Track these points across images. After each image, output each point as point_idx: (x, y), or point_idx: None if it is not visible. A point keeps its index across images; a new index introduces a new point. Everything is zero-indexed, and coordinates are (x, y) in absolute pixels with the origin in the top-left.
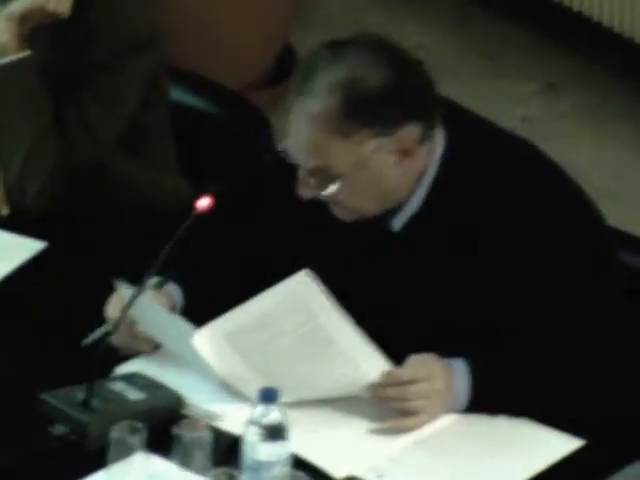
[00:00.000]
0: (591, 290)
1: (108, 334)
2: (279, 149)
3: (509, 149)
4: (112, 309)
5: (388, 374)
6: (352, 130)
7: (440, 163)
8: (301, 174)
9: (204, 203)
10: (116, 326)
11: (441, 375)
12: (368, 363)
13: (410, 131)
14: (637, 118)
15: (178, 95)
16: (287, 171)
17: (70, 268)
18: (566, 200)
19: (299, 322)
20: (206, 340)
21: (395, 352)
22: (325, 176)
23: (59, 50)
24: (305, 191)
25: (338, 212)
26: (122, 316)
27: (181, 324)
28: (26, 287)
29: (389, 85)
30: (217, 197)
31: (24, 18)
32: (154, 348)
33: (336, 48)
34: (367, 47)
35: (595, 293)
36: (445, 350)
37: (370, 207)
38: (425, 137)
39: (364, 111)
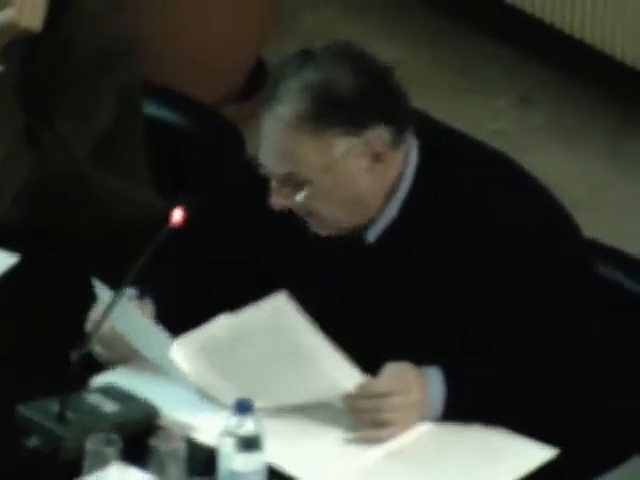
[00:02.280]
0: (567, 302)
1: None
2: (254, 161)
3: (484, 161)
4: (96, 314)
5: (362, 386)
6: (321, 130)
7: (414, 174)
8: (273, 184)
9: (177, 216)
10: (95, 330)
11: (415, 386)
12: (343, 376)
13: (380, 134)
14: (610, 130)
15: (151, 109)
16: (262, 183)
17: (43, 281)
18: (541, 212)
19: (275, 338)
20: (182, 351)
21: (371, 362)
22: (296, 183)
23: (32, 64)
24: (277, 201)
25: (313, 225)
26: (101, 319)
27: (160, 334)
28: (2, 300)
29: (357, 87)
30: (190, 210)
31: None
32: (133, 356)
33: (305, 55)
34: (336, 53)
35: (571, 305)
36: (420, 359)
37: (342, 217)
38: (396, 142)
39: (333, 111)
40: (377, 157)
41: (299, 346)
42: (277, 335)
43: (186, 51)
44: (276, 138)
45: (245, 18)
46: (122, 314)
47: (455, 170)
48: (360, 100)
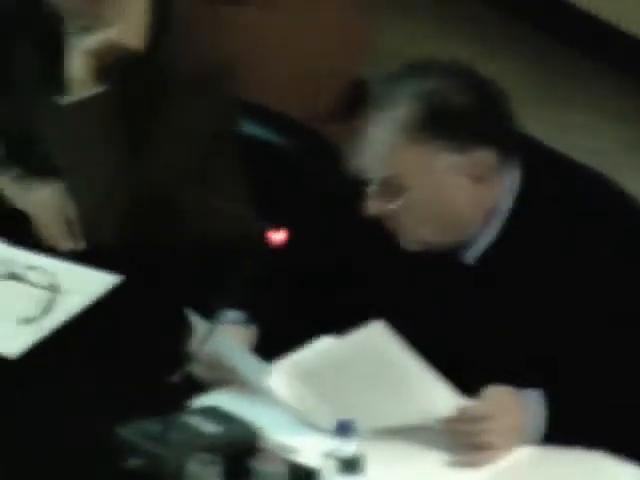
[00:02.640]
0: None
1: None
2: (350, 173)
3: (587, 188)
4: (195, 343)
5: (462, 409)
6: (428, 139)
7: (516, 198)
8: (370, 189)
9: (279, 237)
10: (192, 358)
11: (515, 410)
12: (441, 399)
13: (486, 156)
14: None
15: (249, 128)
16: (356, 197)
17: (145, 301)
18: None
19: (372, 363)
20: (280, 380)
21: (468, 383)
22: (394, 189)
23: (133, 84)
24: (371, 205)
25: (403, 240)
26: (198, 348)
27: (255, 362)
28: (102, 320)
29: (470, 104)
30: (290, 230)
31: (99, 53)
32: (233, 380)
33: (422, 65)
34: (449, 69)
35: None
36: (519, 382)
37: (430, 233)
38: (500, 166)
39: (443, 123)
40: (479, 179)
41: (397, 370)
42: (375, 361)
43: (285, 70)
44: (381, 140)
45: (344, 38)
46: (219, 343)
47: (558, 197)
48: (471, 118)
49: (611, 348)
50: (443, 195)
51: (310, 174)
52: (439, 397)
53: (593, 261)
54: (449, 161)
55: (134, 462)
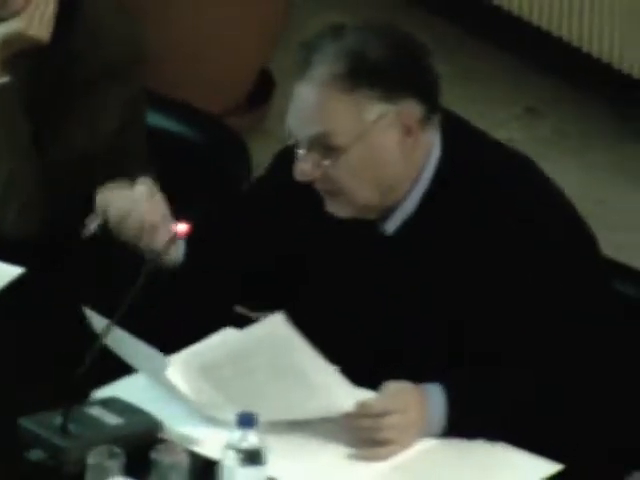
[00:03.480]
0: (578, 313)
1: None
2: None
3: (505, 159)
4: (101, 198)
5: (361, 405)
6: (355, 89)
7: (436, 168)
8: (301, 151)
9: (182, 228)
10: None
11: (414, 406)
12: (341, 395)
13: (412, 107)
14: (614, 141)
15: (156, 119)
16: (274, 190)
17: (47, 294)
18: (562, 218)
19: (273, 357)
20: (180, 372)
21: (381, 355)
22: (326, 147)
23: (39, 76)
24: (304, 168)
25: (333, 206)
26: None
27: (155, 355)
28: (5, 310)
29: (394, 56)
30: (195, 222)
31: (4, 44)
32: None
33: (340, 28)
34: (371, 27)
35: (582, 316)
36: (427, 359)
37: (368, 194)
38: (426, 120)
39: (368, 73)
40: (408, 131)
41: (296, 364)
42: (275, 354)
43: (192, 62)
44: (309, 98)
45: (249, 30)
46: (117, 336)
47: (476, 168)
48: (396, 69)
49: (515, 330)
50: (376, 151)
51: (217, 165)
52: (338, 393)
53: (503, 234)
54: (377, 112)
55: (36, 454)
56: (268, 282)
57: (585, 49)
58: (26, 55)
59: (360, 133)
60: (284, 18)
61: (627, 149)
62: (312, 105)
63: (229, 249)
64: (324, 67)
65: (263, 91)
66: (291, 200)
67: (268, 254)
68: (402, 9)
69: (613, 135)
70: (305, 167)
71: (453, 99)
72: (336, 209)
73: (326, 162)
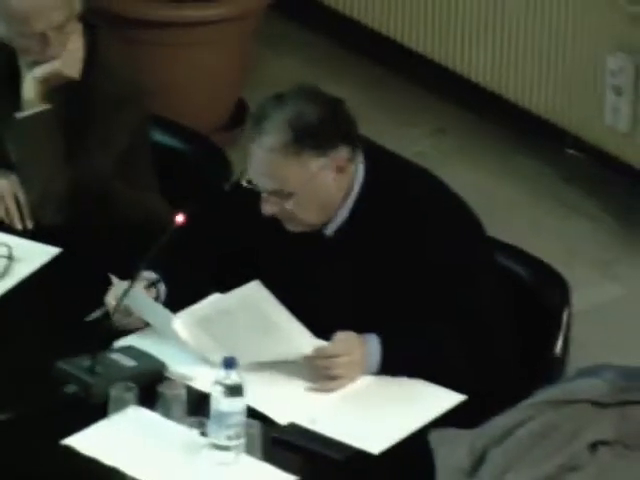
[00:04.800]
0: (477, 283)
1: (106, 313)
2: (246, 180)
3: (413, 173)
4: (110, 297)
5: (317, 349)
6: (301, 154)
7: (362, 184)
8: (263, 196)
9: (180, 218)
10: (116, 309)
11: (358, 349)
12: (302, 342)
13: (342, 151)
14: (502, 153)
15: (158, 136)
16: (245, 194)
17: (78, 268)
18: (453, 211)
19: (251, 313)
20: (182, 324)
21: (326, 328)
22: (283, 195)
23: (70, 103)
24: (267, 208)
25: (289, 225)
26: (118, 302)
27: (163, 311)
28: (46, 282)
29: (324, 117)
30: (190, 214)
31: (45, 80)
32: (145, 325)
33: (278, 97)
34: (302, 93)
35: (478, 283)
36: (364, 326)
37: (315, 218)
38: (352, 157)
39: (309, 138)
40: (340, 170)
41: (269, 319)
42: (253, 311)
43: (185, 92)
44: (264, 162)
45: (228, 69)
46: (135, 297)
47: (391, 180)
48: (327, 127)
49: (431, 300)
50: (319, 190)
51: (205, 172)
52: (301, 340)
53: (411, 225)
54: (318, 164)
55: (71, 388)
56: (234, 267)
57: (479, 82)
58: (59, 88)
59: (306, 181)
60: (255, 58)
61: (511, 158)
62: (267, 168)
63: (207, 239)
64: (273, 137)
65: (239, 116)
66: (255, 209)
67: (235, 246)
68: (334, 52)
69: (500, 149)
70: (268, 207)
71: (378, 123)
72: (291, 227)
73: (282, 202)
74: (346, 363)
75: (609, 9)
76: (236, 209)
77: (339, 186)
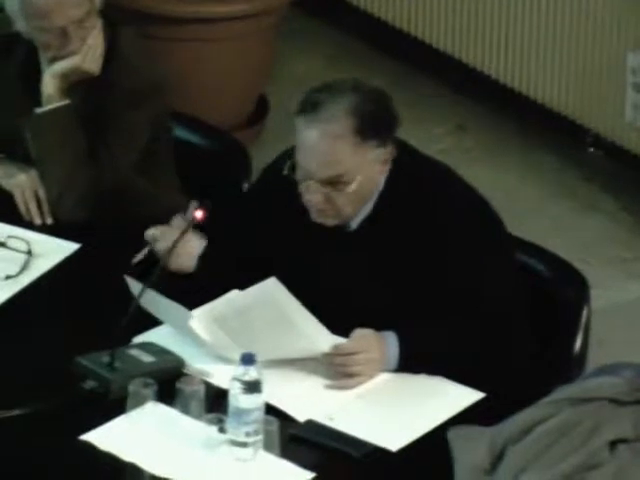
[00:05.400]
0: (497, 281)
1: (150, 254)
2: (288, 167)
3: (432, 169)
4: (151, 233)
5: (335, 347)
6: (365, 142)
7: (386, 179)
8: (312, 185)
9: (200, 214)
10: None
11: (376, 346)
12: (321, 339)
13: (391, 145)
14: (521, 151)
15: (180, 132)
16: (275, 189)
17: (97, 264)
18: (474, 208)
19: (269, 310)
20: (199, 321)
21: (346, 325)
22: (337, 183)
23: (90, 99)
24: (314, 197)
25: (325, 218)
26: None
27: (181, 310)
28: (65, 278)
29: (381, 109)
30: (209, 210)
31: (65, 75)
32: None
33: (328, 87)
34: (353, 83)
35: (500, 284)
36: (383, 321)
37: (355, 209)
38: (394, 152)
39: (372, 126)
40: (384, 163)
41: (287, 316)
42: (270, 308)
43: (206, 89)
44: (327, 149)
45: (250, 67)
46: (151, 297)
47: (413, 177)
48: (384, 120)
49: (453, 298)
50: (371, 181)
51: (226, 168)
52: (319, 337)
53: (434, 221)
54: (376, 154)
55: (90, 384)
56: (256, 268)
57: (502, 80)
58: (79, 84)
59: (363, 171)
60: (277, 55)
61: (529, 157)
62: (329, 155)
63: (229, 239)
64: (339, 123)
65: (260, 112)
66: (277, 205)
67: (257, 245)
68: (355, 49)
69: (519, 146)
70: (316, 198)
71: (403, 121)
72: (324, 221)
73: (334, 192)
74: (364, 360)
75: (629, 6)
76: (257, 206)
77: (380, 180)
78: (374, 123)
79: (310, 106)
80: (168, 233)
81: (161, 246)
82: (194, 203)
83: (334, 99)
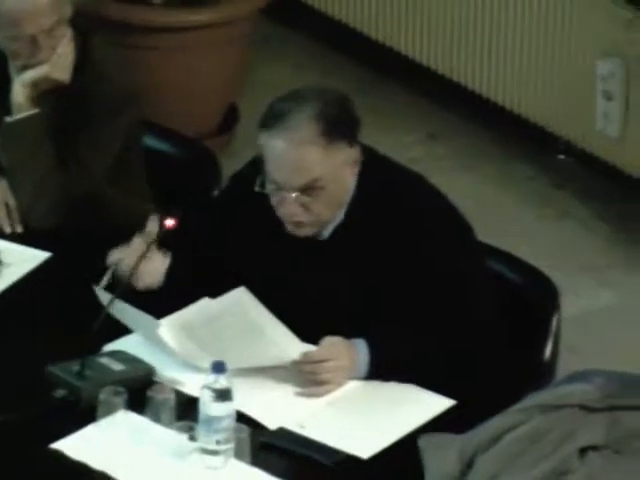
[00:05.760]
0: (461, 283)
1: (113, 277)
2: (259, 184)
3: (402, 176)
4: (114, 256)
5: (304, 355)
6: (333, 143)
7: (356, 186)
8: (287, 196)
9: (170, 222)
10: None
11: (346, 354)
12: (290, 347)
13: (357, 146)
14: (496, 159)
15: (150, 141)
16: (242, 197)
17: (68, 273)
18: (443, 214)
19: (238, 319)
20: (168, 331)
21: (318, 333)
22: (312, 189)
23: (61, 108)
24: (293, 211)
25: (297, 231)
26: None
27: (149, 319)
28: (35, 287)
29: (345, 109)
30: (180, 218)
31: (34, 84)
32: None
33: (293, 94)
34: (315, 89)
35: (469, 289)
36: (353, 328)
37: (331, 215)
38: (361, 153)
39: (338, 127)
40: (355, 164)
41: (256, 324)
42: (239, 317)
43: (177, 97)
44: (296, 157)
45: (221, 75)
46: (120, 307)
47: (383, 184)
48: (349, 118)
49: (422, 305)
50: (344, 183)
51: (196, 176)
52: (289, 345)
53: (403, 230)
54: (345, 155)
55: (60, 392)
56: (225, 276)
57: (470, 87)
58: (49, 93)
59: (335, 173)
60: (246, 63)
61: (504, 165)
62: (299, 162)
63: (197, 247)
64: (304, 129)
65: (230, 120)
66: (246, 213)
67: (226, 253)
68: (325, 56)
69: (493, 155)
70: (292, 209)
71: (369, 128)
72: (299, 232)
73: (309, 200)
74: (333, 368)
75: (598, 14)
76: (225, 214)
77: (351, 183)
78: (339, 125)
79: (274, 117)
80: (129, 254)
81: (124, 267)
82: (153, 218)
83: (297, 108)
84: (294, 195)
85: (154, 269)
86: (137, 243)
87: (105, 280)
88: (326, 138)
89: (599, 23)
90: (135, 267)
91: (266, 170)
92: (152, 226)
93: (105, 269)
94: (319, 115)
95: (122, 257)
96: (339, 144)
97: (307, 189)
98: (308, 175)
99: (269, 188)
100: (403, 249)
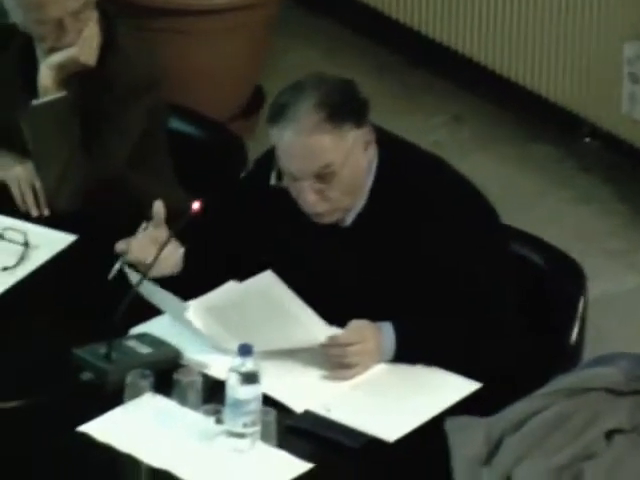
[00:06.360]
0: (485, 269)
1: (123, 265)
2: (275, 177)
3: (424, 160)
4: (120, 247)
5: (331, 338)
6: (336, 127)
7: (377, 173)
8: (304, 185)
9: (196, 206)
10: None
11: (372, 337)
12: (317, 330)
13: (368, 126)
14: (517, 143)
15: (176, 124)
16: (264, 188)
17: (94, 255)
18: (467, 199)
19: (266, 302)
20: (195, 313)
21: (342, 317)
22: (326, 175)
23: (86, 91)
24: (312, 200)
25: (322, 217)
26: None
27: (177, 301)
28: (62, 269)
29: (345, 95)
30: (206, 202)
31: (61, 67)
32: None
33: (295, 85)
34: (316, 77)
35: (493, 274)
36: (379, 315)
37: (350, 200)
38: (372, 134)
39: (341, 113)
40: (367, 146)
41: (283, 307)
42: (266, 300)
43: (202, 81)
44: (305, 145)
45: (245, 58)
46: (147, 288)
47: (404, 168)
48: (352, 100)
49: (448, 289)
50: (358, 166)
51: (222, 160)
52: (315, 328)
53: (426, 216)
54: (354, 137)
55: (86, 375)
56: (250, 262)
57: (498, 71)
58: (74, 76)
59: (346, 155)
60: (272, 47)
61: (525, 148)
62: (309, 149)
63: (222, 233)
64: (307, 120)
65: (256, 104)
66: (270, 198)
67: (250, 239)
68: (351, 40)
69: (515, 138)
70: (312, 198)
71: (398, 112)
72: (323, 219)
73: (326, 187)
74: (360, 351)
75: None
76: (249, 199)
77: (365, 164)
78: (342, 108)
79: (277, 111)
80: (135, 243)
81: (132, 257)
82: (159, 203)
83: (297, 99)
84: (308, 183)
85: (165, 258)
86: (143, 230)
87: (114, 271)
88: (331, 123)
89: (626, 6)
90: (157, 254)
91: (280, 164)
92: (158, 210)
93: (117, 257)
94: (319, 103)
95: (128, 246)
96: (345, 126)
97: (320, 176)
98: (320, 161)
99: (286, 181)
100: (423, 235)
